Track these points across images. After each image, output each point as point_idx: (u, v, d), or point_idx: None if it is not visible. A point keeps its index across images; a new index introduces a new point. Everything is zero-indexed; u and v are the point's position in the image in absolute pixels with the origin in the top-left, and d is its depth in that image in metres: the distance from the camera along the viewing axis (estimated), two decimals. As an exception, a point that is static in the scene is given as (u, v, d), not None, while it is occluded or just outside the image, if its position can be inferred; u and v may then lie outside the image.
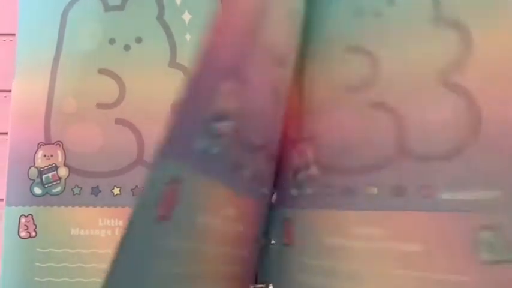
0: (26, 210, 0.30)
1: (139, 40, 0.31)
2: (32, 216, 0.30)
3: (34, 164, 0.30)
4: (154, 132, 0.30)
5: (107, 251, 0.29)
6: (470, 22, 0.20)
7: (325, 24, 0.25)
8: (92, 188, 0.30)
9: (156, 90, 0.30)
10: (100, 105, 0.30)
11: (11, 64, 0.30)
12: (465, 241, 0.18)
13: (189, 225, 0.20)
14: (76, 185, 0.30)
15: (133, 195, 0.30)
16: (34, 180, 0.30)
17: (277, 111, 0.24)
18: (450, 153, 0.19)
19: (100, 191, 0.30)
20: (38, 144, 0.30)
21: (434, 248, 0.19)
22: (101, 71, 0.31)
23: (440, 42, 0.21)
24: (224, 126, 0.20)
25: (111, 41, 0.31)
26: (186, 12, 0.31)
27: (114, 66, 0.31)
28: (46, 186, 0.30)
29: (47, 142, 0.30)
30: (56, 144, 0.30)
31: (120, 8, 0.31)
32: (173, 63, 0.31)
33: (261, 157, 0.23)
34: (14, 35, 0.31)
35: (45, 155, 0.30)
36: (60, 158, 0.30)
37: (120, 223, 0.30)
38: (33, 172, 0.30)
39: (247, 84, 0.20)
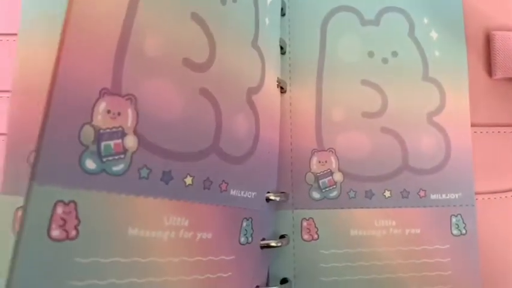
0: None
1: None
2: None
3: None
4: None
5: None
6: (443, 81, 0.32)
7: (343, 58, 0.32)
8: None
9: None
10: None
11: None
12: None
13: (110, 240, 0.19)
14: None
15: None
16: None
17: (205, 116, 0.24)
18: (434, 169, 0.31)
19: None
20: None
21: (428, 230, 0.31)
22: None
23: (427, 92, 0.32)
24: (118, 143, 0.20)
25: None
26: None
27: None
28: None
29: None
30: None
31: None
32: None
33: (210, 163, 0.24)
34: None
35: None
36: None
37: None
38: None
39: (136, 96, 0.20)
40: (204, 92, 0.22)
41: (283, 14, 0.30)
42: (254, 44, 0.26)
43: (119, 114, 0.18)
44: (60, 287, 0.17)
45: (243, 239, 0.25)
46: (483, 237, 0.32)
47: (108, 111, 0.18)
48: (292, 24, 0.30)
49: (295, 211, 0.29)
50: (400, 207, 0.31)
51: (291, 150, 0.30)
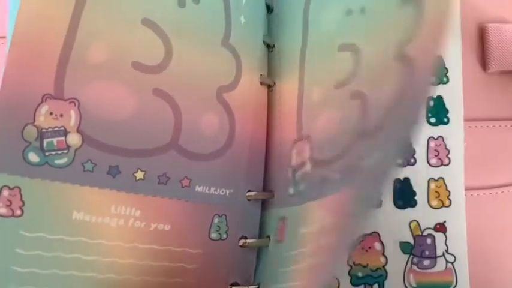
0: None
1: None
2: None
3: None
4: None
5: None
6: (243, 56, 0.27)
7: (321, 26, 0.28)
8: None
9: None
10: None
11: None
12: (204, 223, 0.26)
13: (53, 219, 0.22)
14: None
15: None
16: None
17: (160, 115, 0.25)
18: (209, 156, 0.27)
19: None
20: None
21: (181, 228, 0.26)
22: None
23: (224, 62, 0.27)
24: (61, 140, 0.22)
25: None
26: None
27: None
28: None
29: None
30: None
31: None
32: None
33: (167, 159, 0.25)
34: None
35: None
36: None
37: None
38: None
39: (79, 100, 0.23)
40: (159, 93, 0.24)
41: (270, 11, 0.29)
42: (225, 43, 0.26)
43: (61, 115, 0.22)
44: (7, 255, 0.21)
45: (214, 235, 0.26)
46: (473, 232, 0.31)
47: (51, 113, 0.21)
48: (280, 19, 0.29)
49: None
50: (152, 194, 0.25)
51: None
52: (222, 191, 0.26)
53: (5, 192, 0.21)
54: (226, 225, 0.26)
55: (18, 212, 0.21)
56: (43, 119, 0.21)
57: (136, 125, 0.23)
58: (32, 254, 0.22)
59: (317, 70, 0.28)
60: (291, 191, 0.27)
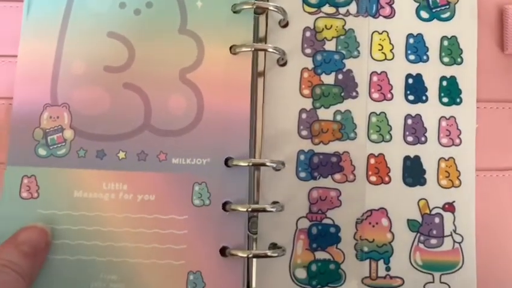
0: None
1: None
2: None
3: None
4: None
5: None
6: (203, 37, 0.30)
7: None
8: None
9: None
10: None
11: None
12: (185, 192, 0.29)
13: (61, 199, 0.29)
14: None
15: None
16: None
17: (132, 103, 0.31)
18: (180, 131, 0.30)
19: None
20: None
21: (165, 197, 0.30)
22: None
23: (182, 46, 0.31)
24: (59, 136, 0.30)
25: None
26: None
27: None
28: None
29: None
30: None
31: None
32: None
33: (143, 139, 0.30)
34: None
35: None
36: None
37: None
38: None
39: (69, 103, 0.31)
40: (128, 86, 0.30)
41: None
42: (182, 30, 0.30)
43: (57, 117, 0.29)
44: (29, 223, 0.29)
45: (197, 201, 0.29)
46: (482, 213, 0.31)
47: (50, 117, 0.30)
48: None
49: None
50: (135, 170, 0.29)
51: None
52: (199, 161, 0.29)
53: (25, 180, 0.28)
54: (208, 191, 0.28)
55: (36, 195, 0.28)
56: (46, 122, 0.29)
57: (113, 115, 0.29)
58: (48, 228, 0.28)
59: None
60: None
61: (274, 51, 0.30)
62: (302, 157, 0.31)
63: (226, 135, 0.29)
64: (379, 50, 0.32)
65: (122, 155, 0.29)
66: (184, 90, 0.29)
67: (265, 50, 0.30)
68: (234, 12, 0.30)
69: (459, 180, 0.31)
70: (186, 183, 0.28)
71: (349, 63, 0.32)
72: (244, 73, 0.29)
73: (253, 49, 0.29)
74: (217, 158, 0.29)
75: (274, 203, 0.30)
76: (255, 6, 0.30)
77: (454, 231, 0.30)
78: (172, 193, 0.28)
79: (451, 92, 0.32)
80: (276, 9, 0.30)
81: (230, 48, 0.30)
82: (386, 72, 0.32)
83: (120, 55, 0.30)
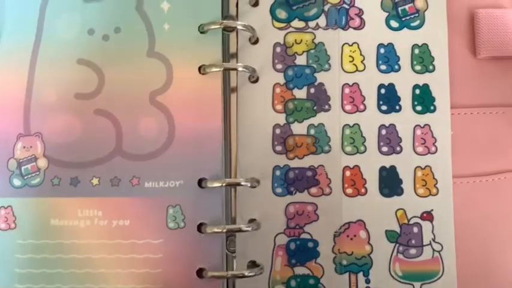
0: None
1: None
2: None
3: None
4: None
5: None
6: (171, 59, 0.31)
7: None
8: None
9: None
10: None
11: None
12: (159, 216, 0.29)
13: (38, 228, 0.30)
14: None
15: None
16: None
17: (103, 129, 0.31)
18: (152, 154, 0.30)
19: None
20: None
21: (139, 222, 0.30)
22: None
23: (151, 69, 0.31)
24: (33, 165, 0.30)
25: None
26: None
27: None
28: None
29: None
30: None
31: None
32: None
33: (115, 164, 0.30)
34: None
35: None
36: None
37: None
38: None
39: (42, 132, 0.31)
40: (99, 112, 0.30)
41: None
42: (151, 53, 0.30)
43: (31, 147, 0.30)
44: (10, 260, 0.29)
45: (172, 224, 0.29)
46: (461, 220, 0.31)
47: (24, 147, 0.30)
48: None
49: None
50: (109, 196, 0.29)
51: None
52: (172, 183, 0.29)
53: (2, 211, 0.29)
54: (182, 214, 0.29)
55: (13, 226, 0.29)
56: (19, 152, 0.29)
57: (85, 142, 0.29)
58: (27, 257, 0.29)
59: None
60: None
61: (244, 69, 0.30)
62: (278, 173, 0.31)
63: (198, 156, 0.29)
64: (350, 61, 0.32)
65: (95, 181, 0.29)
66: (154, 113, 0.30)
67: (235, 69, 0.30)
68: (202, 32, 0.30)
69: (436, 188, 0.31)
70: (160, 206, 0.28)
71: (320, 77, 0.32)
72: (215, 93, 0.30)
73: (222, 69, 0.29)
74: (190, 180, 0.29)
75: (252, 220, 0.30)
76: (222, 26, 0.30)
77: (433, 239, 0.30)
78: (146, 217, 0.28)
79: (424, 100, 0.31)
80: (244, 28, 0.30)
81: (199, 68, 0.30)
82: (358, 84, 0.32)
83: (90, 81, 0.30)
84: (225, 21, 0.30)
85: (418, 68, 0.32)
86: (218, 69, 0.30)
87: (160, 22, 0.30)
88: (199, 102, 0.30)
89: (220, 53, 0.30)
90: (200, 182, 0.29)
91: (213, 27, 0.30)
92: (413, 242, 0.30)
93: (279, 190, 0.31)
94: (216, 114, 0.30)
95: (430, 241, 0.30)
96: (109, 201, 0.29)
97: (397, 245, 0.30)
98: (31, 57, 0.30)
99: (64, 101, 0.30)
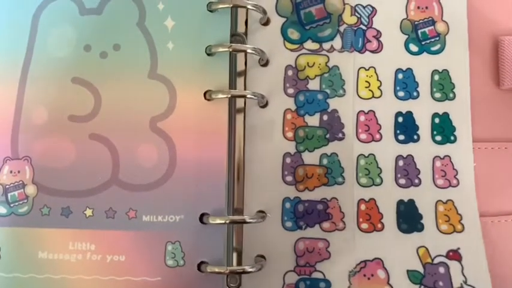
0: None
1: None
2: None
3: None
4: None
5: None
6: (175, 82, 0.28)
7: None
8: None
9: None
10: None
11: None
12: (157, 252, 0.27)
13: (25, 261, 0.27)
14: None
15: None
16: None
17: (98, 156, 0.28)
18: (151, 185, 0.28)
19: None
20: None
21: (135, 258, 0.27)
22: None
23: (153, 93, 0.28)
24: (21, 192, 0.28)
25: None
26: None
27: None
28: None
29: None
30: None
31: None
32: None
33: (111, 194, 0.28)
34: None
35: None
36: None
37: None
38: None
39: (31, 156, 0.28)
40: (95, 137, 0.28)
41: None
42: (152, 74, 0.28)
43: (18, 172, 0.27)
44: None
45: (170, 262, 0.27)
46: (497, 262, 0.28)
47: (11, 171, 0.27)
48: None
49: None
50: (103, 228, 0.27)
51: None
52: (171, 218, 0.26)
53: None
54: (182, 251, 0.26)
55: None
56: (5, 177, 0.27)
57: (79, 169, 0.27)
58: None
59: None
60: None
61: (252, 96, 0.28)
62: (288, 205, 0.29)
63: (201, 189, 0.27)
64: (366, 87, 0.30)
65: (88, 212, 0.27)
66: (155, 140, 0.28)
67: (243, 96, 0.28)
68: (208, 54, 0.28)
69: (461, 224, 0.29)
70: (158, 242, 0.26)
71: (334, 103, 0.30)
72: (220, 120, 0.28)
73: (230, 95, 0.27)
74: (191, 215, 0.27)
75: (259, 256, 0.28)
76: (231, 49, 0.27)
77: (465, 282, 0.28)
78: (143, 253, 0.26)
79: (444, 129, 0.30)
80: (253, 51, 0.28)
81: (205, 93, 0.28)
82: (374, 111, 0.30)
83: (85, 103, 0.28)
84: (233, 44, 0.28)
85: (438, 95, 0.30)
86: (225, 96, 0.27)
87: (164, 41, 0.28)
88: (204, 130, 0.28)
89: (227, 78, 0.28)
90: (202, 217, 0.27)
91: (221, 49, 0.28)
92: (440, 284, 0.28)
93: (288, 224, 0.29)
94: (221, 144, 0.28)
95: (462, 284, 0.28)
96: (103, 234, 0.26)
97: (422, 286, 0.28)
98: (21, 73, 0.28)
99: (56, 123, 0.28)
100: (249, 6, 0.28)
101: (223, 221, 0.26)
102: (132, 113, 0.28)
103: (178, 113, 0.28)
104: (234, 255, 0.28)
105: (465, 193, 0.29)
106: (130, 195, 0.27)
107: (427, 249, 0.28)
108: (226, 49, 0.28)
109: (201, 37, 0.28)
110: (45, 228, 0.27)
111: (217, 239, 0.27)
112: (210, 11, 0.28)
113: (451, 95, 0.30)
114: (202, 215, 0.27)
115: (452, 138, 0.30)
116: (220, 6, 0.28)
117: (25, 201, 0.27)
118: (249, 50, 0.28)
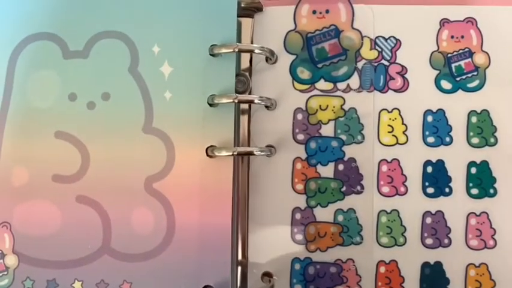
0: None
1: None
2: None
3: None
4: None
5: None
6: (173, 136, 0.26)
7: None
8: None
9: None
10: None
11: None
12: None
13: None
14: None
15: None
16: None
17: (87, 221, 0.25)
18: (147, 254, 0.25)
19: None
20: None
21: None
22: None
23: (148, 149, 0.26)
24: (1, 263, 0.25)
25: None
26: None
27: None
28: None
29: None
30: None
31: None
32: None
33: (102, 265, 0.25)
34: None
35: None
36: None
37: None
38: None
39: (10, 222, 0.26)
40: (82, 199, 0.26)
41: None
42: (147, 128, 0.25)
43: None
44: None
45: None
46: None
47: None
48: None
49: None
50: None
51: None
52: (171, 291, 0.24)
53: None
54: (184, 330, 0.24)
55: None
56: (-18, 246, 0.24)
57: (65, 236, 0.25)
58: None
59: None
60: None
61: (261, 153, 0.26)
62: (297, 266, 0.27)
63: (202, 259, 0.25)
64: (389, 132, 0.27)
65: (77, 285, 0.25)
66: (151, 203, 0.25)
67: (250, 154, 0.25)
68: (211, 105, 0.25)
69: None
70: (156, 319, 0.23)
71: (351, 151, 0.27)
72: (224, 181, 0.25)
73: (235, 153, 0.25)
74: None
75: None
76: (236, 101, 0.25)
77: None
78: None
79: (482, 181, 0.27)
80: (260, 101, 0.26)
81: (206, 149, 0.25)
82: (398, 160, 0.27)
83: (71, 161, 0.25)
84: (240, 95, 0.25)
85: (475, 140, 0.27)
86: (230, 154, 0.25)
87: (160, 89, 0.26)
88: (206, 192, 0.25)
89: (232, 132, 0.25)
90: (205, 291, 0.25)
91: (225, 100, 0.25)
92: None
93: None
94: (226, 207, 0.25)
95: None
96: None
97: None
98: None
99: (39, 184, 0.25)
100: (256, 51, 0.26)
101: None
102: (125, 173, 0.25)
103: (177, 172, 0.25)
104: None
105: (502, 257, 0.26)
106: (124, 266, 0.25)
107: None
108: (231, 101, 0.25)
109: (203, 85, 0.25)
110: (29, 304, 0.24)
111: None
112: (212, 55, 0.25)
113: (492, 140, 0.27)
114: (204, 288, 0.25)
115: (491, 191, 0.27)
116: (224, 50, 0.25)
117: (5, 273, 0.25)
118: (256, 101, 0.26)
